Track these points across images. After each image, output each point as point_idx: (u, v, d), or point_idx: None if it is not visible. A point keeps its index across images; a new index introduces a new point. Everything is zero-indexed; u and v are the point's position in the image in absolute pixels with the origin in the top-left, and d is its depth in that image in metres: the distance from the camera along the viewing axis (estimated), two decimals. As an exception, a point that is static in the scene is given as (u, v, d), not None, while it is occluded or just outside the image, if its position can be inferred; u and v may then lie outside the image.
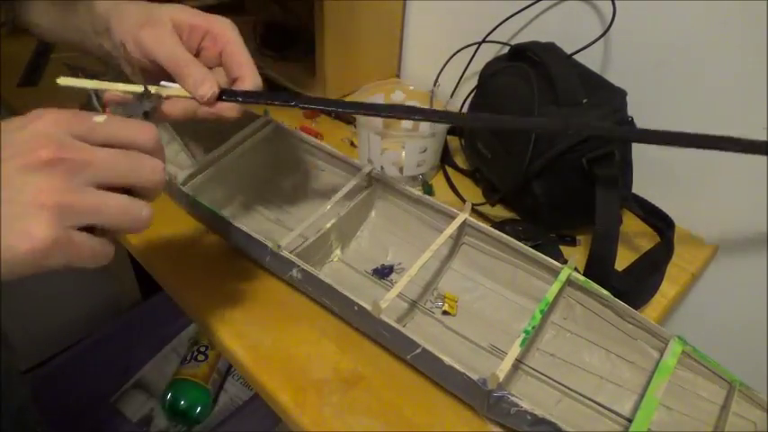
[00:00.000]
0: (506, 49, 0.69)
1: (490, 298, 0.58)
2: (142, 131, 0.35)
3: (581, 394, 0.49)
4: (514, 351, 0.44)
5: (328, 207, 0.57)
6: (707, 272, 0.68)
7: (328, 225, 0.58)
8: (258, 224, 0.65)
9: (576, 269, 0.52)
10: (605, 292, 0.50)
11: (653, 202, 0.70)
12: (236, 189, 0.67)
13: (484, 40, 0.74)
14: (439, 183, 0.73)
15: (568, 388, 0.50)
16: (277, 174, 0.70)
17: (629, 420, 0.46)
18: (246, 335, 0.54)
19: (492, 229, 0.55)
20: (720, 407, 0.47)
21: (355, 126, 0.78)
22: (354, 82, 0.81)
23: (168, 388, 1.16)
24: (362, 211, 0.63)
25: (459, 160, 0.77)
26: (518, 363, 0.51)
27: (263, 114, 0.66)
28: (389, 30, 0.88)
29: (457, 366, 0.44)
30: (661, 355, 0.47)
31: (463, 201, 0.70)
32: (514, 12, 0.71)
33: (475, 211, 0.69)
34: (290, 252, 0.54)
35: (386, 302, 0.47)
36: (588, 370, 0.51)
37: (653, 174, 0.68)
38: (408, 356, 0.49)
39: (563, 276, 0.51)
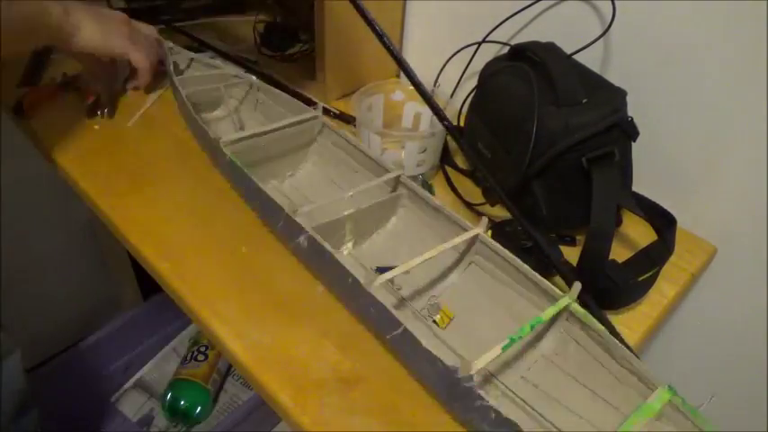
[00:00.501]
0: (506, 49, 0.69)
1: (486, 319, 0.56)
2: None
3: (556, 427, 0.48)
4: (495, 351, 0.44)
5: (350, 194, 0.58)
6: (707, 272, 0.68)
7: (345, 213, 0.58)
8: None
9: (576, 301, 0.50)
10: (601, 327, 0.48)
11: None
12: (270, 169, 0.69)
13: (484, 40, 0.74)
14: (439, 183, 0.73)
15: (545, 418, 0.49)
16: (316, 166, 0.71)
17: None
18: (246, 335, 0.54)
19: (504, 250, 0.54)
20: None
21: (355, 126, 0.78)
22: (354, 82, 0.81)
23: (168, 388, 1.16)
24: (383, 212, 0.62)
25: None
26: (501, 384, 0.50)
27: (314, 108, 0.68)
28: (389, 30, 0.88)
29: (432, 350, 0.43)
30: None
31: (463, 200, 0.70)
32: (514, 12, 0.71)
33: (475, 212, 0.70)
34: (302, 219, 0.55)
35: (381, 279, 0.48)
36: (571, 409, 0.50)
37: (654, 174, 0.68)
38: (388, 336, 0.48)
39: (562, 303, 0.49)
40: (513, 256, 0.53)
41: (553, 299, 0.51)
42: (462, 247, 0.55)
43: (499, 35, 0.73)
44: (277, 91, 0.74)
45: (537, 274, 0.52)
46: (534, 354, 0.53)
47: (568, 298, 0.50)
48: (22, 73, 0.85)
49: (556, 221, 0.63)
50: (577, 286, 0.50)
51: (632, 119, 0.59)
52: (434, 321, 0.56)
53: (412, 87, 0.74)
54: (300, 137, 0.69)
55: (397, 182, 0.62)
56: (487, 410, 0.41)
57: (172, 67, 0.76)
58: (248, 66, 0.91)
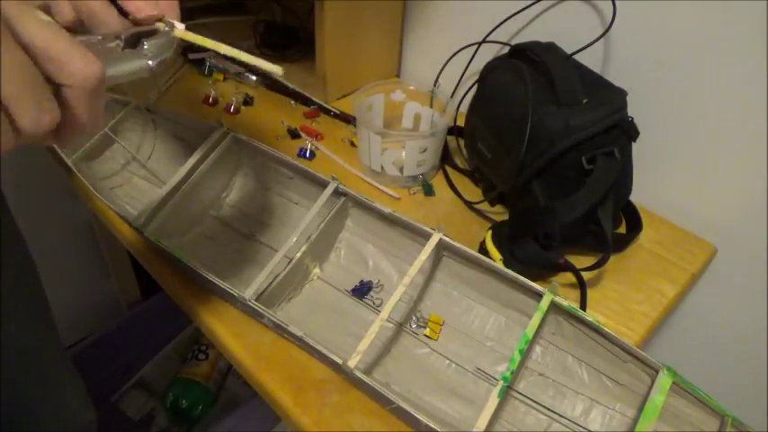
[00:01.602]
0: (506, 50, 0.69)
1: (476, 310, 0.57)
2: (86, 62, 0.25)
3: (571, 420, 0.49)
4: (491, 405, 0.44)
5: (294, 239, 0.56)
6: (707, 272, 0.68)
7: (299, 255, 0.57)
8: (232, 243, 0.64)
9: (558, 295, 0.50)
10: (590, 318, 0.48)
11: (654, 202, 0.70)
12: (205, 209, 0.66)
13: (484, 40, 0.74)
14: (439, 183, 0.74)
15: (558, 413, 0.49)
16: (245, 184, 0.69)
17: None
18: (246, 335, 0.54)
19: (469, 251, 0.53)
20: None
21: (355, 126, 0.78)
22: (354, 82, 0.81)
23: (169, 387, 1.16)
24: (337, 222, 0.61)
25: (459, 160, 0.77)
26: (518, 394, 0.51)
27: (219, 126, 0.64)
28: (389, 30, 0.88)
29: (433, 426, 0.43)
30: (652, 382, 0.46)
31: (463, 200, 0.70)
32: (514, 12, 0.71)
33: (474, 210, 0.70)
34: (261, 294, 0.53)
35: (355, 358, 0.47)
36: (578, 391, 0.51)
37: (654, 174, 0.68)
38: (387, 407, 0.48)
39: (544, 305, 0.49)
40: (484, 258, 0.53)
41: (532, 292, 0.52)
42: (432, 254, 0.54)
43: (499, 35, 0.73)
44: (168, 111, 0.69)
45: (511, 272, 0.52)
46: (533, 347, 0.53)
47: (549, 294, 0.50)
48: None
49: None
50: (556, 283, 0.50)
51: (632, 119, 0.59)
52: (426, 335, 0.55)
53: (412, 87, 0.75)
54: (220, 161, 0.64)
55: (338, 191, 0.59)
56: None
57: None
58: (248, 66, 0.91)
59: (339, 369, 0.49)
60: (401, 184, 0.72)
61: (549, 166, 0.59)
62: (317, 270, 0.61)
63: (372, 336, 0.48)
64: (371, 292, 0.59)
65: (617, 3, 0.62)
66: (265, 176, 0.67)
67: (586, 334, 0.50)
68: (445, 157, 0.75)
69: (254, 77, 0.89)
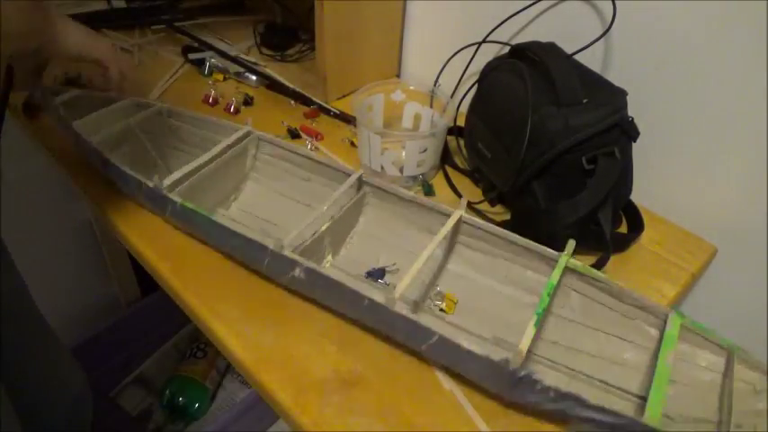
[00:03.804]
0: (506, 50, 0.69)
1: (486, 294, 0.58)
2: None
3: (589, 375, 0.50)
4: (530, 331, 0.45)
5: (324, 208, 0.57)
6: (707, 272, 0.69)
7: (324, 228, 0.58)
8: (252, 226, 0.64)
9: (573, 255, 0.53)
10: (602, 275, 0.51)
11: (654, 202, 0.70)
12: (218, 200, 0.66)
13: (484, 40, 0.74)
14: (439, 183, 0.74)
15: (576, 371, 0.51)
16: (260, 183, 0.69)
17: (640, 397, 0.48)
18: (246, 335, 0.54)
19: (487, 224, 0.57)
20: (721, 374, 0.48)
21: (355, 126, 0.78)
22: (354, 82, 0.81)
23: (167, 384, 1.16)
24: (351, 216, 0.62)
25: (459, 160, 0.77)
26: (533, 354, 0.52)
27: (245, 124, 0.66)
28: (389, 30, 0.88)
29: (476, 350, 0.44)
30: (660, 332, 0.49)
31: (463, 201, 0.70)
32: (514, 12, 0.71)
33: (474, 210, 0.70)
34: (291, 252, 0.54)
35: (399, 291, 0.48)
36: (592, 354, 0.52)
37: (654, 174, 0.68)
38: (423, 346, 0.48)
39: (562, 262, 0.52)
40: (499, 228, 0.56)
41: (543, 257, 0.55)
42: (450, 234, 0.56)
43: (499, 35, 0.73)
44: (190, 112, 0.70)
45: (526, 240, 0.55)
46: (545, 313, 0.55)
47: (566, 256, 0.52)
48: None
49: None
50: (572, 243, 0.52)
51: (632, 119, 0.59)
52: (442, 310, 0.57)
53: (412, 87, 0.75)
54: (238, 158, 0.66)
55: (360, 181, 0.61)
56: (547, 391, 0.43)
57: (62, 111, 0.67)
58: (248, 66, 0.91)
59: (376, 313, 0.49)
60: (401, 184, 0.72)
61: (549, 167, 0.59)
62: (329, 257, 0.61)
63: (411, 277, 0.49)
64: (386, 276, 0.59)
65: (617, 3, 0.62)
66: (281, 176, 0.68)
67: (592, 298, 0.53)
68: (445, 157, 0.75)
69: (254, 77, 0.89)
